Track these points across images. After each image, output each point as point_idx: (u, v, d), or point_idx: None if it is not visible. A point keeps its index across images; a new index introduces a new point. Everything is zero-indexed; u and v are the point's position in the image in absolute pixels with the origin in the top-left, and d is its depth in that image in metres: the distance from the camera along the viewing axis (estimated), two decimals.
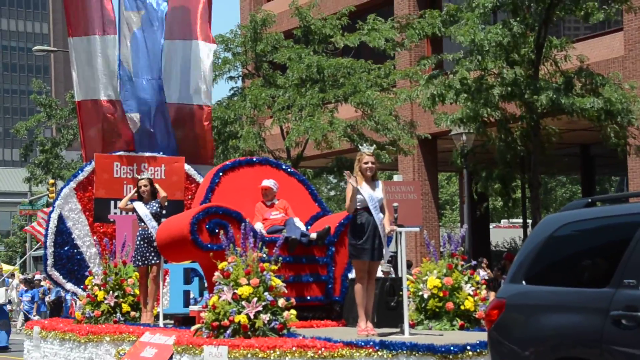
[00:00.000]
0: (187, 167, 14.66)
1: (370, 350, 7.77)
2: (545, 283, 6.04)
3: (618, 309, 5.44)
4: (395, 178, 25.90)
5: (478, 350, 7.87)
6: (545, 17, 16.82)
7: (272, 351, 7.99)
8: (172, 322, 11.33)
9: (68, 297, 21.70)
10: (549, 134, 17.97)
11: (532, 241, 6.22)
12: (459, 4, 18.18)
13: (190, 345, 8.59)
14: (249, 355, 8.07)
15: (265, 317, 8.58)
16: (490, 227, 33.45)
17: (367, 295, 8.70)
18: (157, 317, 11.60)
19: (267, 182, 10.86)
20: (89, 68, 14.71)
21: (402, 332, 8.54)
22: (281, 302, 8.74)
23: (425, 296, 9.33)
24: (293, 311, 8.85)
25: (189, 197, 14.51)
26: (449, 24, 17.81)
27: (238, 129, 22.00)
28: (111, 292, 11.85)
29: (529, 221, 22.14)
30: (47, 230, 13.71)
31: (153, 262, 11.58)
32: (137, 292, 11.94)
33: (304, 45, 22.16)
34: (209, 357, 8.36)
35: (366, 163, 8.79)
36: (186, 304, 12.76)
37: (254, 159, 11.60)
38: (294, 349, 7.92)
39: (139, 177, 12.06)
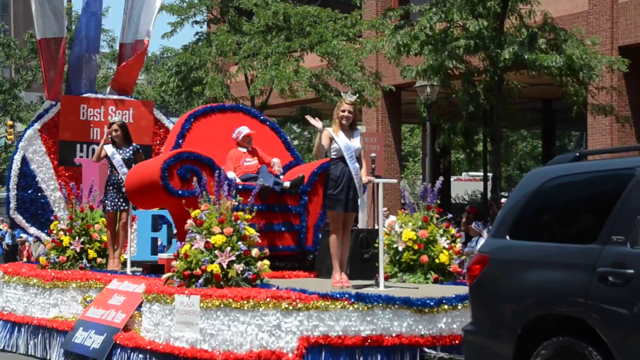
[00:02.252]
0: (155, 111, 14.36)
1: (346, 302, 7.66)
2: (530, 238, 5.95)
3: (605, 266, 5.37)
4: (359, 129, 25.84)
5: (454, 303, 7.80)
6: None
7: (245, 302, 7.83)
8: (140, 269, 11.14)
9: (30, 240, 21.35)
10: (512, 89, 18.12)
11: (517, 195, 6.11)
12: None
13: (161, 294, 8.41)
14: (222, 306, 7.92)
15: (239, 267, 8.42)
16: (451, 179, 33.63)
17: (342, 246, 8.57)
18: (124, 264, 11.42)
19: (248, 129, 10.63)
20: (48, 3, 14.24)
21: (377, 284, 8.45)
22: (255, 251, 8.58)
23: (400, 249, 9.22)
24: (266, 261, 8.69)
25: (157, 142, 14.26)
26: None
27: (203, 75, 21.75)
28: (77, 237, 11.58)
29: (490, 174, 22.35)
30: (9, 172, 13.37)
31: (122, 208, 11.35)
32: (104, 238, 11.71)
33: None
34: (180, 306, 8.20)
35: (343, 111, 8.61)
36: (154, 251, 12.58)
37: (226, 106, 11.38)
38: (268, 299, 7.78)
39: (111, 120, 11.76)
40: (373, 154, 9.09)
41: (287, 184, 10.14)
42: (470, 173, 43.18)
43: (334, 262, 8.57)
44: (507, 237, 6.04)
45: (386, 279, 9.07)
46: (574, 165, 5.91)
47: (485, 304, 6.09)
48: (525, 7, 17.55)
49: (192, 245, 8.57)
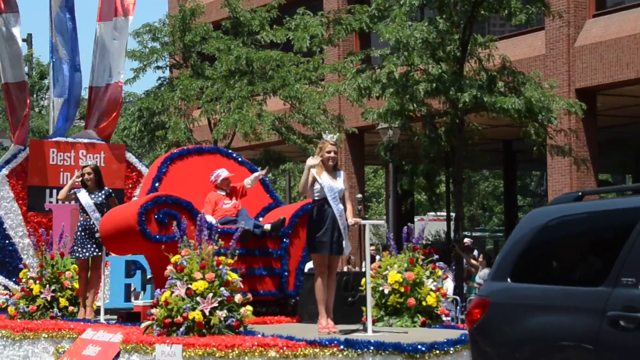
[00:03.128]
0: (127, 154, 14.06)
1: (335, 349, 7.37)
2: (533, 281, 5.72)
3: (616, 309, 5.14)
4: (341, 170, 25.96)
5: (445, 348, 7.54)
6: (470, 15, 17.26)
7: (230, 350, 7.52)
8: (114, 318, 10.76)
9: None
10: (472, 130, 18.49)
11: (518, 236, 5.88)
12: None
13: (141, 344, 8.06)
14: (205, 355, 7.60)
15: (222, 313, 8.10)
16: (415, 219, 33.64)
17: (327, 291, 8.30)
18: (97, 312, 11.04)
19: (227, 172, 10.37)
20: (8, 49, 13.96)
21: (365, 329, 8.17)
22: (238, 297, 8.28)
23: (386, 291, 8.96)
24: (249, 307, 8.39)
25: (130, 186, 13.96)
26: (376, 19, 18.11)
27: (166, 119, 21.81)
28: (48, 285, 11.18)
29: (452, 214, 22.42)
30: None
31: (95, 254, 10.99)
32: (76, 285, 11.33)
33: (232, 36, 22.22)
34: (161, 356, 7.85)
35: (329, 152, 8.38)
36: (127, 298, 12.23)
37: (204, 148, 11.12)
38: (254, 348, 7.47)
39: (84, 164, 11.44)
40: (359, 195, 8.83)
41: (267, 226, 9.87)
42: (435, 212, 43.20)
43: (319, 307, 8.29)
44: (509, 279, 5.81)
45: (372, 323, 8.81)
46: (577, 204, 5.71)
47: (487, 351, 5.83)
48: (484, 51, 17.97)
49: (172, 292, 8.25)
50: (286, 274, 10.05)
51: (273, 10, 22.25)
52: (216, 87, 21.03)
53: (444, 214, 32.47)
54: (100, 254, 10.95)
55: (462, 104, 16.84)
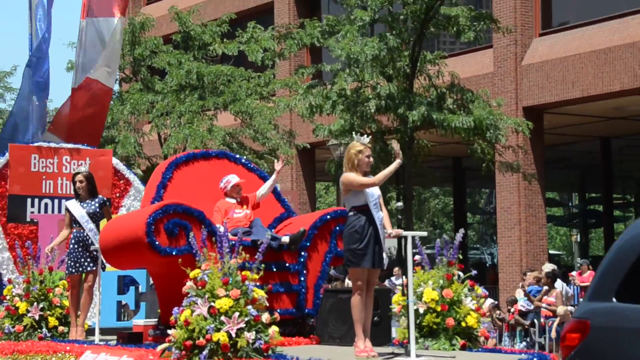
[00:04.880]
0: (115, 161, 13.15)
1: None
2: None
3: None
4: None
5: None
6: (419, 32, 17.68)
7: None
8: (109, 338, 9.83)
9: None
10: (422, 148, 18.85)
11: (623, 249, 5.17)
12: (338, 14, 18.85)
13: None
14: None
15: (250, 335, 7.27)
16: None
17: (365, 309, 7.51)
18: (87, 332, 10.13)
19: (237, 178, 9.55)
20: None
21: (407, 354, 7.38)
22: (265, 317, 7.45)
23: (421, 310, 8.17)
24: (275, 327, 7.57)
25: (117, 194, 13.05)
26: (327, 34, 18.47)
27: (115, 133, 21.70)
28: (35, 303, 10.23)
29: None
30: None
31: (89, 269, 10.07)
32: (66, 303, 10.38)
33: (183, 50, 22.17)
34: None
35: (368, 156, 7.61)
36: (119, 316, 11.33)
37: (211, 152, 10.24)
38: None
39: (75, 170, 10.53)
40: (399, 203, 8.07)
41: (286, 239, 9.01)
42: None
43: (356, 328, 7.47)
44: (614, 299, 5.09)
45: (405, 344, 8.04)
46: None
47: None
48: (433, 68, 18.28)
49: (193, 311, 7.40)
50: (304, 290, 9.21)
51: (224, 24, 22.30)
52: (167, 102, 21.09)
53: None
54: (95, 268, 10.04)
55: (411, 121, 17.12)
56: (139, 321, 9.87)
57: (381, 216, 7.52)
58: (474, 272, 8.47)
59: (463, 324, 8.09)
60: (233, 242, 8.08)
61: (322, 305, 9.12)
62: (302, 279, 9.22)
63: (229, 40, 21.77)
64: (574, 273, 20.17)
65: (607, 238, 28.55)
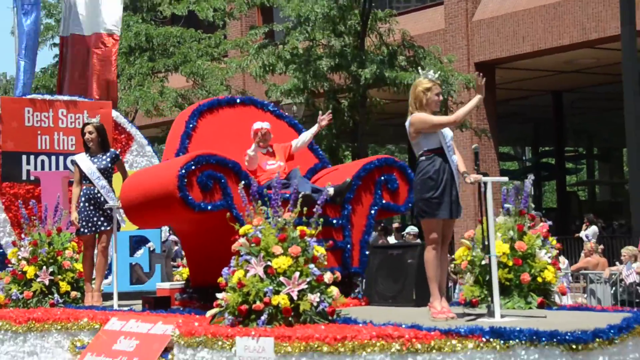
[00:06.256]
0: (115, 113, 12.12)
1: (478, 340, 5.77)
2: None
3: None
4: None
5: (610, 337, 5.96)
6: None
7: (340, 344, 5.86)
8: (127, 303, 8.94)
9: None
10: (375, 105, 18.87)
11: None
12: None
13: (215, 337, 6.30)
14: (308, 349, 5.91)
15: (314, 297, 6.42)
16: None
17: (440, 265, 6.69)
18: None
19: (264, 124, 8.64)
20: None
21: (490, 314, 6.58)
22: (328, 276, 6.61)
23: None
24: (335, 288, 6.73)
25: (119, 150, 12.04)
26: None
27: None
28: (44, 267, 9.29)
29: None
30: None
31: (102, 228, 9.14)
32: (77, 266, 9.45)
33: (131, 12, 21.89)
34: (244, 352, 6.13)
35: (437, 94, 6.75)
36: (132, 280, 10.44)
37: (236, 99, 9.30)
38: (373, 340, 5.82)
39: (85, 121, 9.54)
40: (476, 145, 7.22)
41: (330, 190, 8.11)
42: None
43: (431, 287, 6.65)
44: None
45: (474, 304, 7.25)
46: None
47: None
48: (384, 26, 18.28)
49: (246, 272, 6.52)
50: (349, 247, 8.37)
51: None
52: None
53: None
54: (109, 228, 9.11)
55: (363, 79, 17.14)
56: (164, 284, 8.97)
57: (456, 160, 6.69)
58: (548, 222, 7.66)
59: (539, 279, 7.30)
60: (296, 193, 7.20)
61: (369, 263, 8.30)
62: (347, 234, 8.38)
63: (177, 1, 21.43)
64: None
65: (559, 190, 29.29)
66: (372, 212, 8.53)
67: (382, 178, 8.57)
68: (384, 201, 8.57)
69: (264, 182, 8.31)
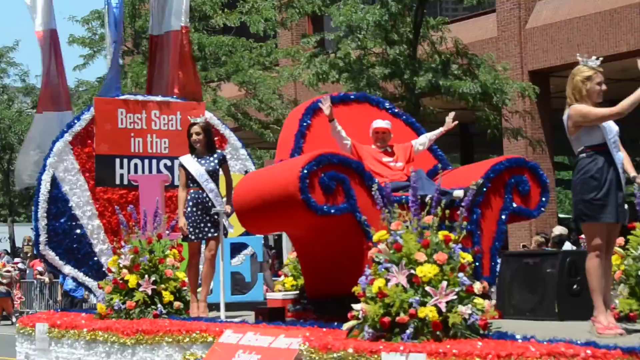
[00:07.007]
0: (208, 114, 11.61)
1: None
2: None
3: None
4: None
5: None
6: None
7: None
8: (234, 314, 8.41)
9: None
10: (428, 114, 18.36)
11: None
12: None
13: (358, 353, 5.69)
14: None
15: (464, 309, 5.79)
16: None
17: (604, 274, 6.00)
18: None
19: (382, 123, 8.05)
20: None
21: None
22: (478, 287, 5.97)
23: None
24: (486, 300, 6.08)
25: None
26: (329, 2, 18.31)
27: None
28: (146, 276, 8.80)
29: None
30: (37, 196, 10.48)
31: (209, 235, 8.62)
32: (180, 275, 8.95)
33: None
34: None
35: (599, 83, 6.08)
36: (234, 289, 9.91)
37: (351, 95, 8.72)
38: (543, 358, 5.16)
39: (192, 121, 9.04)
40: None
41: (459, 192, 7.46)
42: None
43: (595, 299, 5.97)
44: None
45: (632, 318, 6.54)
46: None
47: None
48: (436, 34, 18.05)
49: (387, 280, 5.91)
50: (479, 255, 7.71)
51: None
52: None
53: None
54: (217, 235, 8.59)
55: (417, 88, 16.98)
56: (276, 295, 8.41)
57: (621, 157, 6.01)
58: None
59: None
60: (398, 198, 6.66)
61: (501, 272, 7.63)
62: (476, 241, 7.71)
63: (230, 10, 21.41)
64: (584, 236, 18.94)
65: None
66: (503, 217, 7.83)
67: (513, 180, 7.87)
68: (514, 205, 7.88)
69: (384, 183, 7.69)
